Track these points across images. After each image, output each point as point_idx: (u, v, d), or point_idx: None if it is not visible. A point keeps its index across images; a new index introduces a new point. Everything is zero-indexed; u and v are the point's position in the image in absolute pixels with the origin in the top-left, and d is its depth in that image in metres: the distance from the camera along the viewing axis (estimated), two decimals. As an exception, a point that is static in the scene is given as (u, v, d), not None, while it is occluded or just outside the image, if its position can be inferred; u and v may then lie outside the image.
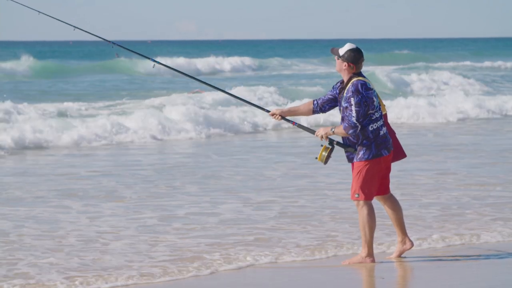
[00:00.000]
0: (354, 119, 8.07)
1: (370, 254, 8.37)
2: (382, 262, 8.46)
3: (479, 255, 8.82)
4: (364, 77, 8.22)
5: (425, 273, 8.20)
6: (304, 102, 8.70)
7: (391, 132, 8.41)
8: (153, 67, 9.40)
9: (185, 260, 8.66)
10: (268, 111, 8.63)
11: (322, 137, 8.30)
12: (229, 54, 62.75)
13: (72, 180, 13.78)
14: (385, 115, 8.35)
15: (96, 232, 9.95)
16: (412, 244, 8.58)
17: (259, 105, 9.18)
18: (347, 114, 8.11)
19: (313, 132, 8.43)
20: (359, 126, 8.08)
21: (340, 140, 8.32)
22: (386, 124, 8.32)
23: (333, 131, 8.24)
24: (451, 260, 8.66)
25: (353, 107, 8.08)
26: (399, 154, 8.49)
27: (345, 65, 8.20)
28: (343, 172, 13.70)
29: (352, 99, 8.09)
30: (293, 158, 16.42)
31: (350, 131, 8.11)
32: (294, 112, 8.57)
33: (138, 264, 8.49)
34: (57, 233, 9.88)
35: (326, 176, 13.86)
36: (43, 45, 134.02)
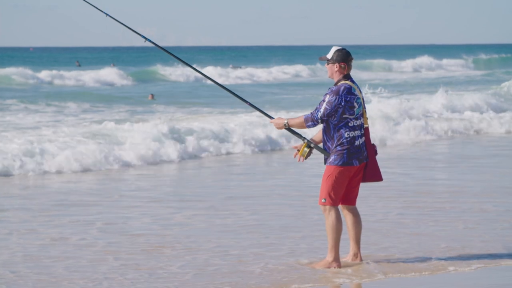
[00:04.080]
0: (319, 114, 8.12)
1: (337, 259, 8.30)
2: (348, 267, 8.33)
3: (453, 260, 8.73)
4: (353, 82, 8.18)
5: (392, 278, 8.10)
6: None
7: (370, 149, 8.27)
8: (144, 42, 9.08)
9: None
10: (271, 118, 8.49)
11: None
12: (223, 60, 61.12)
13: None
14: (367, 128, 8.26)
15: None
16: (361, 261, 8.47)
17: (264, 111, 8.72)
18: (316, 107, 8.17)
19: (270, 117, 8.46)
20: (319, 123, 8.14)
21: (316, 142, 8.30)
22: (367, 138, 8.25)
23: (287, 125, 8.30)
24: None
25: (324, 103, 8.11)
26: (375, 175, 8.31)
27: (336, 67, 8.18)
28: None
29: (327, 96, 8.12)
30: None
31: (309, 123, 8.18)
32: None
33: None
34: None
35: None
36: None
